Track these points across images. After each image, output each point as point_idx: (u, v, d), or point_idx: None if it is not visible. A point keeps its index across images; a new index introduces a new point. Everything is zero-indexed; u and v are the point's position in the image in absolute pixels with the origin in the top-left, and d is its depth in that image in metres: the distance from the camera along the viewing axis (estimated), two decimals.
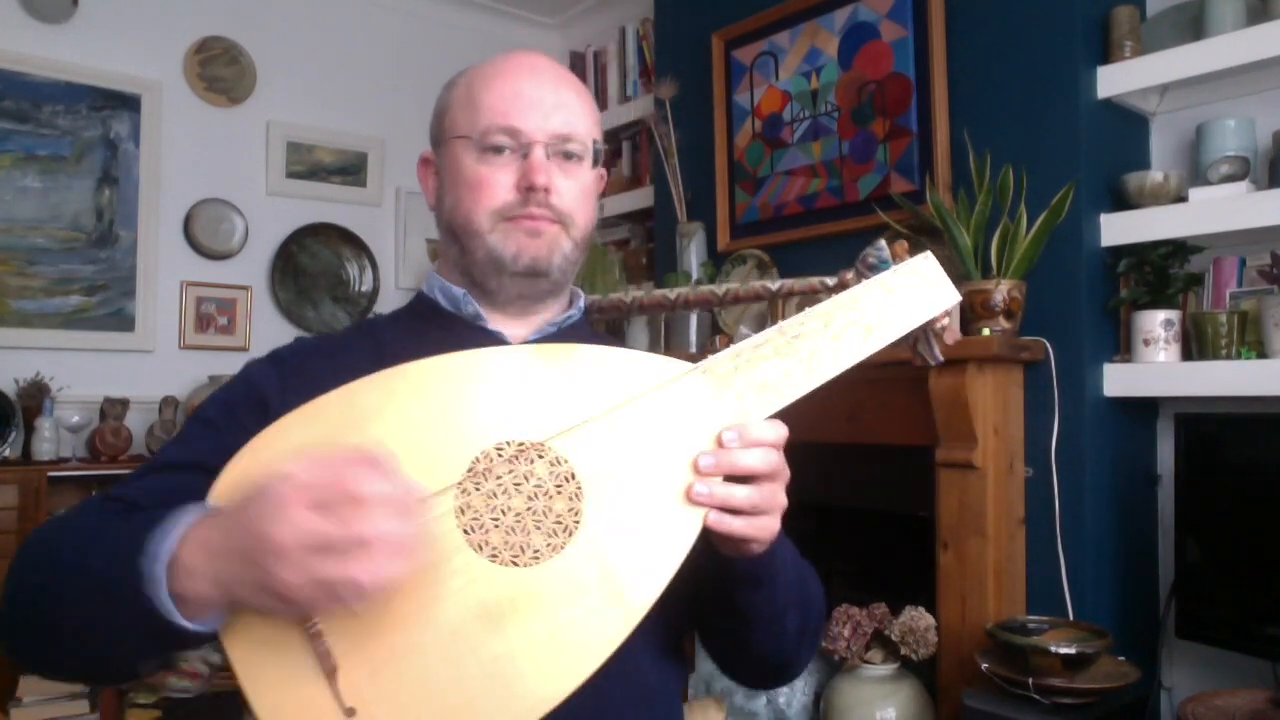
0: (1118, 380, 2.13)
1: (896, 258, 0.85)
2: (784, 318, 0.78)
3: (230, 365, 3.46)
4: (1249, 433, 1.91)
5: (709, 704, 2.25)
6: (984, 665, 1.90)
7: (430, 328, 0.97)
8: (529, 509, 0.72)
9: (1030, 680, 1.80)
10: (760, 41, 2.86)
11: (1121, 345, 2.18)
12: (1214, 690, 1.85)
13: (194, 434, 0.89)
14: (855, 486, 2.46)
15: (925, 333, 0.86)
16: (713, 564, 0.81)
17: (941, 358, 0.89)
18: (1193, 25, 2.12)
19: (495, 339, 0.95)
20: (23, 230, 3.22)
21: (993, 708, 1.86)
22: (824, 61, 2.68)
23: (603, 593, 0.71)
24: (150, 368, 3.45)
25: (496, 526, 0.71)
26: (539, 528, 0.72)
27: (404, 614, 0.68)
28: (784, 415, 0.78)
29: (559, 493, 0.73)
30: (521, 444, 0.74)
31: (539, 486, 0.73)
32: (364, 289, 3.95)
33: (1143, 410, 2.23)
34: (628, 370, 0.77)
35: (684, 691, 0.98)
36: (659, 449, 0.75)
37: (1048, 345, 2.14)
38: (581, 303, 1.02)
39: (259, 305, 3.71)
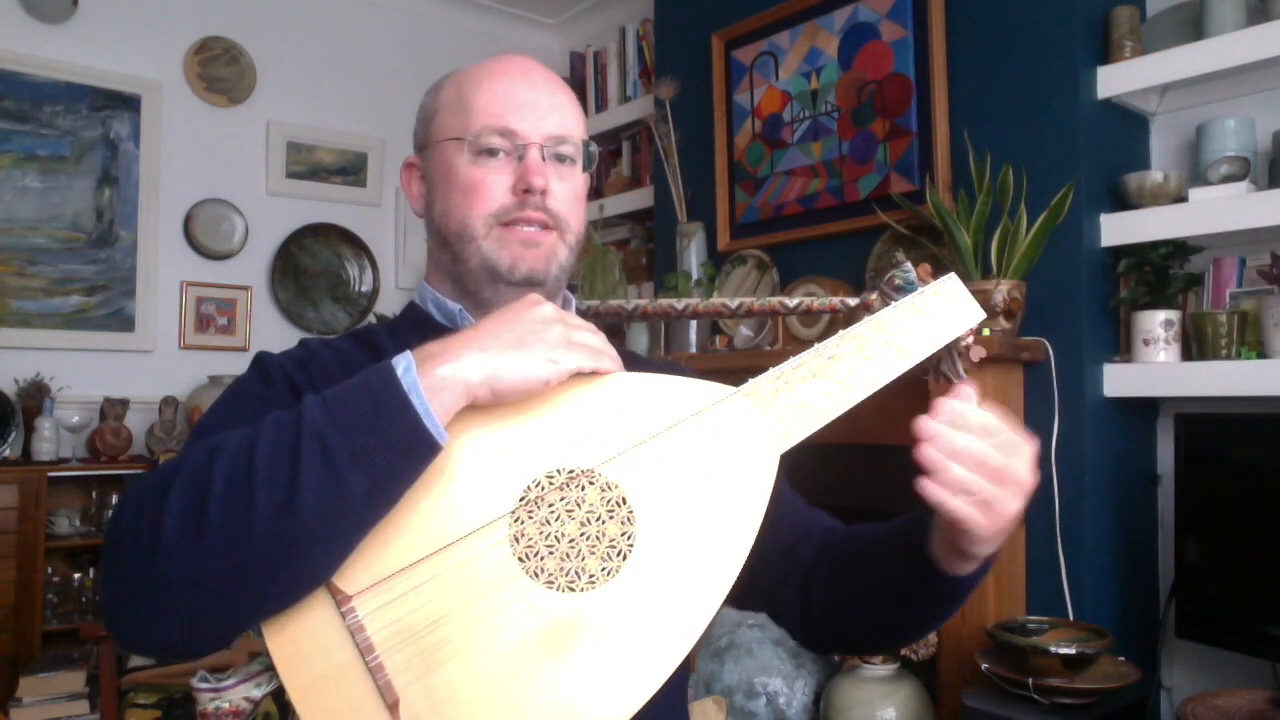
0: (1118, 380, 2.13)
1: (920, 280, 0.87)
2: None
3: (230, 365, 3.46)
4: (1249, 433, 1.91)
5: (709, 704, 2.25)
6: (984, 665, 1.90)
7: (427, 343, 0.95)
8: (583, 534, 0.72)
9: (1030, 680, 1.81)
10: (760, 41, 2.86)
11: (1121, 345, 2.18)
12: (1214, 690, 1.85)
13: (238, 407, 0.82)
14: (855, 486, 2.45)
15: (950, 352, 0.88)
16: (910, 577, 0.81)
17: (965, 376, 0.91)
18: (1193, 25, 2.12)
19: None
20: (23, 230, 3.22)
21: (993, 708, 1.86)
22: (824, 61, 2.68)
23: (660, 614, 0.71)
24: (150, 368, 3.45)
25: (551, 553, 0.71)
26: (594, 553, 0.72)
27: (463, 644, 0.68)
28: None
29: (611, 518, 0.73)
30: (572, 471, 0.74)
31: (591, 512, 0.73)
32: (364, 289, 3.95)
33: (1143, 410, 2.23)
34: (671, 395, 0.77)
35: (685, 691, 0.99)
36: (707, 470, 0.75)
37: (1048, 345, 2.14)
38: (573, 308, 1.01)
39: (259, 305, 3.71)
